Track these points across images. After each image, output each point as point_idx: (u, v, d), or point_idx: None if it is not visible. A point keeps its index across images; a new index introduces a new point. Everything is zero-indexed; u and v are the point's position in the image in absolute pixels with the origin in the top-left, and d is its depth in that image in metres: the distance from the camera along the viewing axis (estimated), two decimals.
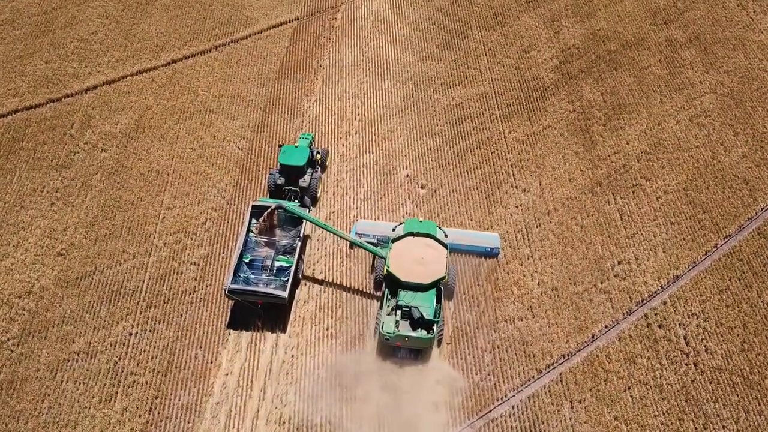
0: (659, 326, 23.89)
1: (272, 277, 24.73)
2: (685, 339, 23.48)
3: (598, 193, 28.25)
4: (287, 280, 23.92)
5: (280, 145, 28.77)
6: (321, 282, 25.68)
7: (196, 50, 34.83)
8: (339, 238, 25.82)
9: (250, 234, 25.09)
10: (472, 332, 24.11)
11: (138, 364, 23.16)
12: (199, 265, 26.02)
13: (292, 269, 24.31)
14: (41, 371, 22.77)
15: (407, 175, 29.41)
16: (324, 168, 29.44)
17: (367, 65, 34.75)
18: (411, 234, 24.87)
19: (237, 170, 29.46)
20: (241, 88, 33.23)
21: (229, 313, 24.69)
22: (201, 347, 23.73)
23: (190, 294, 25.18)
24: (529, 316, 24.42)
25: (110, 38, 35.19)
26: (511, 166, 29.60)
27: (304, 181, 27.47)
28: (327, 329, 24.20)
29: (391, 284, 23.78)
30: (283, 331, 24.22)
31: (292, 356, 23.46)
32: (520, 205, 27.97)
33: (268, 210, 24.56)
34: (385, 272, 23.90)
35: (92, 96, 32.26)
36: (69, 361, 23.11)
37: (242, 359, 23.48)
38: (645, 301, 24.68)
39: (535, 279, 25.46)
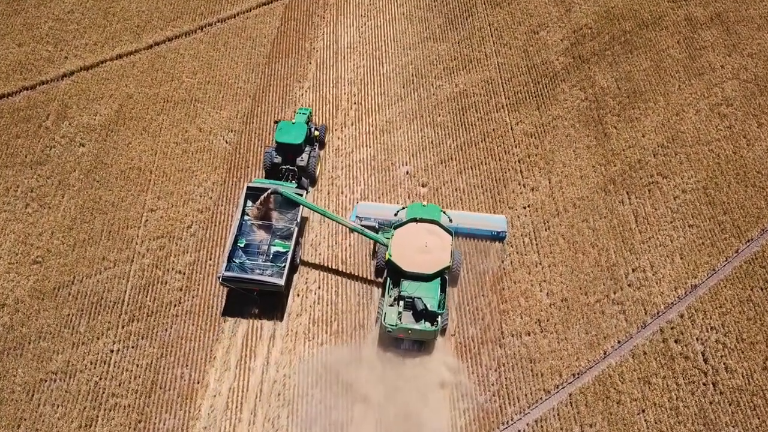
0: (676, 341, 22.38)
1: (269, 263, 23.62)
2: (703, 356, 21.98)
3: (611, 192, 26.38)
4: (284, 266, 22.82)
5: (276, 122, 27.21)
6: (319, 267, 24.68)
7: (180, 31, 32.41)
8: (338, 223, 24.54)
9: (245, 217, 23.99)
10: (476, 348, 22.62)
11: (120, 385, 21.73)
12: (184, 273, 24.35)
13: (289, 255, 23.15)
14: (17, 393, 21.35)
15: (407, 172, 27.48)
16: (323, 145, 27.98)
17: (363, 47, 32.38)
18: (414, 220, 23.51)
19: (224, 167, 27.51)
20: (229, 74, 30.96)
21: (216, 326, 23.17)
22: (187, 365, 22.27)
23: (175, 306, 23.60)
24: (537, 331, 22.88)
25: (87, 17, 32.70)
26: (519, 162, 27.64)
27: (302, 160, 26.11)
28: (321, 344, 22.71)
29: (394, 273, 22.60)
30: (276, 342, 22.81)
31: (284, 375, 22.03)
32: (528, 206, 26.14)
33: (263, 195, 23.52)
34: (387, 258, 22.69)
35: (69, 83, 30.04)
36: (46, 381, 21.68)
37: (231, 379, 22.05)
38: (660, 314, 23.10)
39: (543, 289, 23.84)
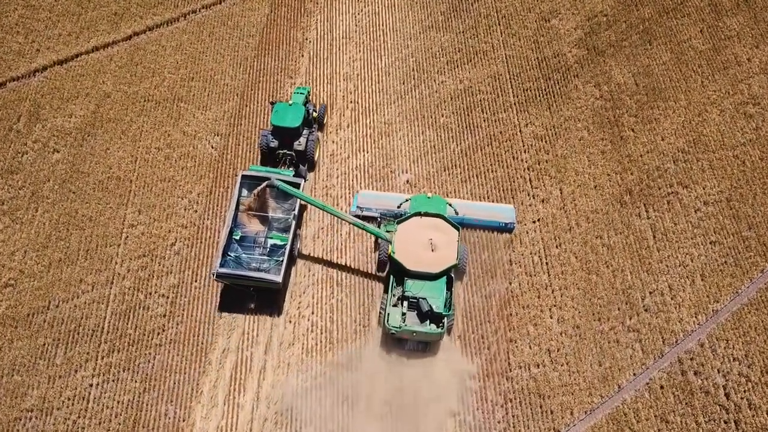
0: (695, 374, 20.85)
1: (265, 257, 22.45)
2: (725, 390, 20.47)
3: (627, 204, 24.46)
4: (282, 260, 21.67)
5: (271, 103, 25.55)
6: (317, 260, 23.62)
7: (162, 19, 29.85)
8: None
9: (241, 206, 22.80)
10: (482, 381, 21.11)
11: (100, 424, 20.28)
12: (168, 297, 22.65)
13: (287, 250, 22.03)
14: None
15: (407, 181, 25.49)
16: (322, 126, 26.50)
17: (360, 37, 29.90)
18: (418, 214, 22.16)
19: (210, 176, 25.48)
20: (215, 68, 28.59)
21: (203, 357, 21.61)
22: (172, 401, 20.77)
23: (158, 334, 21.97)
24: (547, 362, 21.33)
25: (60, 4, 30.06)
26: (528, 169, 25.62)
27: (300, 144, 24.62)
28: (315, 378, 21.17)
29: (397, 270, 21.42)
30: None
31: (276, 413, 20.56)
32: (538, 220, 24.25)
33: (257, 189, 22.33)
34: (390, 252, 21.61)
35: (41, 80, 27.72)
36: (21, 420, 20.22)
37: (219, 416, 20.59)
38: (679, 342, 21.53)
39: (554, 315, 22.19)
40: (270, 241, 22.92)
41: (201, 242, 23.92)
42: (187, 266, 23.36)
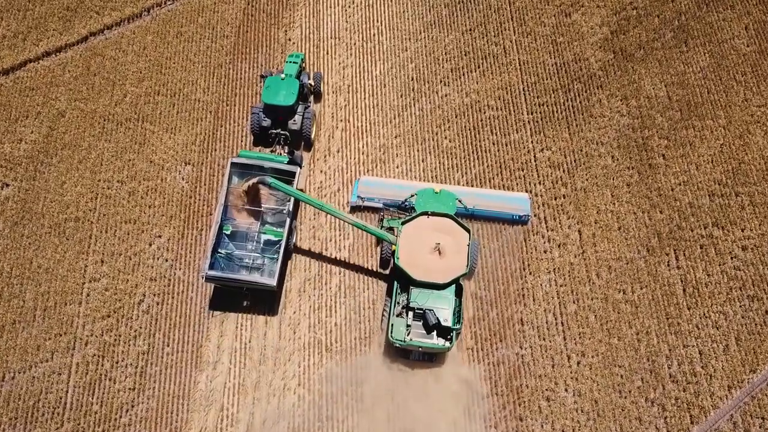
0: None
1: (258, 253, 20.83)
2: None
3: (655, 249, 21.55)
4: (277, 257, 20.24)
5: (262, 76, 23.12)
6: (312, 254, 21.85)
7: (121, 15, 25.77)
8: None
9: (231, 197, 20.89)
10: None
11: None
12: (137, 367, 20.17)
13: (282, 250, 20.23)
14: None
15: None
16: (318, 97, 24.20)
17: (352, 38, 25.90)
18: (425, 214, 20.36)
19: (181, 216, 22.40)
20: (184, 79, 24.83)
21: None
22: None
23: (126, 411, 19.64)
24: None
25: None
26: (543, 206, 22.51)
27: (295, 123, 22.74)
28: None
29: (402, 276, 19.64)
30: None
31: None
32: (554, 270, 21.40)
33: (248, 185, 20.47)
34: (393, 250, 20.16)
35: None
36: None
37: None
38: (709, 420, 19.27)
39: (569, 387, 19.78)
40: (263, 236, 21.09)
41: (172, 297, 21.20)
42: (158, 327, 20.75)
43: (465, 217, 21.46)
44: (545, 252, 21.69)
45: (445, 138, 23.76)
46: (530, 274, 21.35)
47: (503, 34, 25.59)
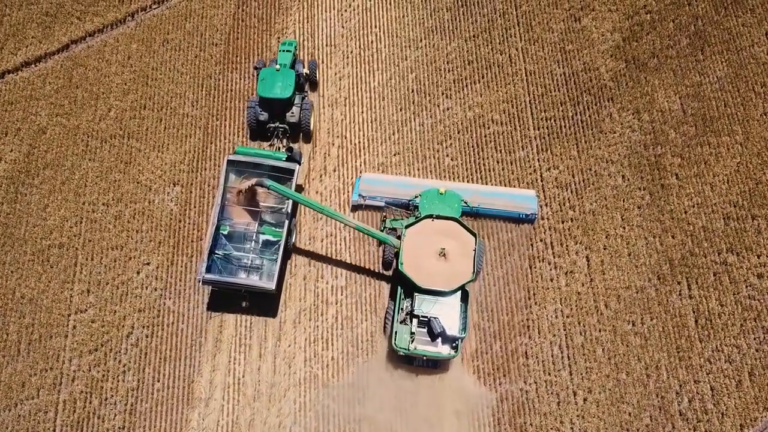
0: None
1: (257, 254, 20.28)
2: None
3: (667, 278, 20.59)
4: (276, 258, 19.65)
5: (256, 68, 22.29)
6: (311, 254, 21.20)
7: (104, 22, 24.32)
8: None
9: (228, 195, 20.22)
10: None
11: None
12: (126, 403, 19.42)
13: (280, 252, 19.54)
14: None
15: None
16: (315, 85, 23.37)
17: (348, 45, 24.46)
18: (429, 217, 19.77)
19: (170, 241, 21.37)
20: (172, 91, 23.50)
21: None
22: None
23: None
24: None
25: None
26: (550, 230, 21.47)
27: (293, 115, 22.14)
28: None
29: (405, 281, 19.21)
30: None
31: None
32: (561, 300, 20.48)
33: (245, 186, 19.85)
34: (396, 252, 19.83)
35: None
36: None
37: None
38: None
39: (575, 426, 19.03)
40: (262, 237, 20.40)
41: (162, 329, 20.32)
42: (147, 362, 19.93)
43: (469, 215, 20.77)
44: (551, 280, 20.74)
45: (447, 156, 22.58)
46: (536, 304, 20.44)
47: (509, 41, 24.15)
